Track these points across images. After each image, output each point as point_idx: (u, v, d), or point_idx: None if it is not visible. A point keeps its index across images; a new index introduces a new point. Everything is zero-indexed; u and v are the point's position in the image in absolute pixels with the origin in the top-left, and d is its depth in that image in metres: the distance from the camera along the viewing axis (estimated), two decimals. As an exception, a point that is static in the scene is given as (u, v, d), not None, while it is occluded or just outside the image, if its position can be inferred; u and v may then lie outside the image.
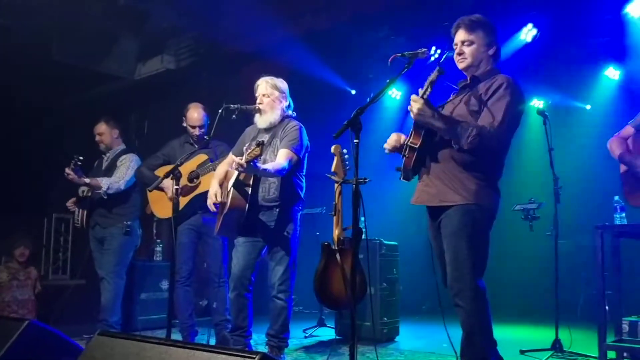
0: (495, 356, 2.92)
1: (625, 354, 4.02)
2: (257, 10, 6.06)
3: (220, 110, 3.84)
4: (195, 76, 7.57)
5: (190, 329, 4.63)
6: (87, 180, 4.78)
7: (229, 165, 4.01)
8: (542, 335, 5.17)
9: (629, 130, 4.22)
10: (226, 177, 3.98)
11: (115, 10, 6.43)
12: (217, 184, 3.92)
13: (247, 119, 4.08)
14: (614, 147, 4.22)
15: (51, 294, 5.98)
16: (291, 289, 3.88)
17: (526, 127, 7.21)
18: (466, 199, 2.85)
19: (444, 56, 3.19)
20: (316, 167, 4.46)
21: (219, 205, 3.84)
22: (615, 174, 4.34)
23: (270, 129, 3.96)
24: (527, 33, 6.19)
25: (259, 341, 4.45)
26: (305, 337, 5.44)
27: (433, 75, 2.86)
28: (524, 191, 6.14)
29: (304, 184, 3.99)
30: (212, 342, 4.53)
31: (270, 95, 3.93)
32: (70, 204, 5.02)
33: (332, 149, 3.91)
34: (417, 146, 2.90)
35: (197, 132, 4.60)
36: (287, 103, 4.01)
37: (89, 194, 4.97)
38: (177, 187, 4.01)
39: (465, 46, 3.05)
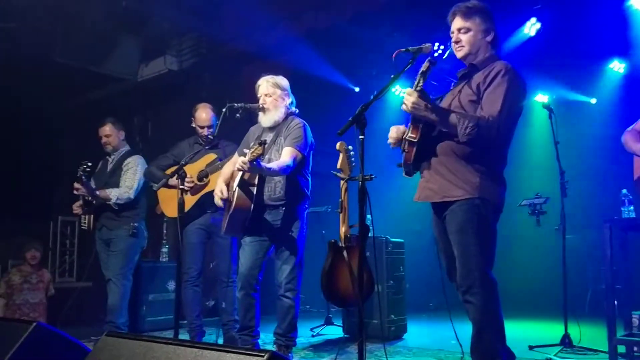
0: (505, 352, 2.90)
1: (635, 348, 4.00)
2: (259, 10, 6.06)
3: (224, 110, 3.84)
4: (198, 77, 7.57)
5: (198, 329, 4.63)
6: (97, 192, 4.78)
7: (235, 165, 4.01)
8: (551, 331, 5.15)
9: None
10: (232, 177, 3.97)
11: (117, 12, 6.43)
12: (222, 182, 3.92)
13: (252, 118, 4.07)
14: (630, 142, 4.18)
15: (58, 297, 5.98)
16: (298, 287, 3.87)
17: (532, 122, 7.20)
18: (470, 193, 2.81)
19: (447, 52, 3.13)
20: (321, 165, 4.45)
21: (226, 203, 3.83)
22: (623, 167, 4.32)
23: (274, 127, 3.94)
24: (531, 27, 6.16)
25: (266, 340, 4.44)
26: (313, 335, 5.43)
27: (424, 66, 2.78)
28: (530, 186, 6.11)
29: (309, 182, 3.98)
30: (220, 342, 4.52)
31: (273, 94, 3.92)
32: (76, 207, 5.00)
33: (337, 146, 3.90)
34: (415, 140, 2.84)
35: (205, 132, 4.60)
36: (289, 100, 4.00)
37: (89, 198, 4.93)
38: (182, 187, 4.01)
39: (461, 34, 2.98)
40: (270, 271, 4.01)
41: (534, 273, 7.08)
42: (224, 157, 4.48)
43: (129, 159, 5.01)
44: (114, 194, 4.81)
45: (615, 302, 4.11)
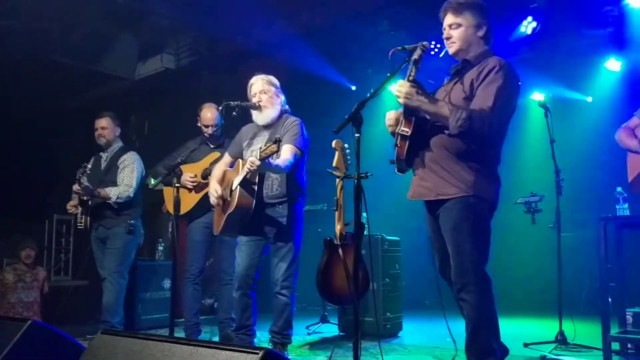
0: (500, 349, 2.91)
1: (629, 345, 4.02)
2: (256, 8, 6.05)
3: (220, 108, 3.84)
4: (195, 75, 7.56)
5: (195, 328, 4.63)
6: (96, 193, 4.76)
7: (226, 165, 4.03)
8: (546, 328, 5.17)
9: (635, 121, 4.21)
10: (224, 177, 3.98)
11: (114, 10, 6.41)
12: (215, 182, 3.94)
13: (248, 116, 4.07)
14: (625, 138, 4.19)
15: (53, 295, 5.97)
16: (294, 285, 3.88)
17: (528, 120, 7.21)
18: (464, 190, 2.79)
19: (444, 50, 3.12)
20: (317, 163, 4.45)
21: (222, 203, 3.84)
22: (618, 165, 4.33)
23: (269, 125, 3.95)
24: (527, 25, 6.17)
25: (262, 339, 4.45)
26: (309, 333, 5.44)
27: (416, 54, 2.76)
28: (525, 184, 6.13)
29: (305, 180, 3.99)
30: (216, 340, 4.52)
31: (268, 92, 3.93)
32: (70, 206, 4.96)
33: (334, 143, 3.90)
34: (408, 134, 2.81)
35: (210, 131, 4.61)
36: (283, 98, 4.02)
37: (86, 198, 4.89)
38: (177, 184, 4.01)
39: (452, 29, 2.97)
40: (265, 269, 4.01)
41: (529, 271, 7.10)
42: None
43: (125, 156, 4.97)
44: (113, 193, 4.78)
45: (610, 299, 4.13)
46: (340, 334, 5.19)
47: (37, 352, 2.45)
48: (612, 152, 4.81)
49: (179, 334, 4.60)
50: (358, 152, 2.68)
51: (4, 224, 6.75)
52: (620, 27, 6.04)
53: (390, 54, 2.85)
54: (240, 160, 3.86)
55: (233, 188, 3.77)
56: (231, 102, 3.86)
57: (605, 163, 6.08)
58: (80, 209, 4.91)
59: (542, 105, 4.78)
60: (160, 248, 6.70)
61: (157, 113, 8.22)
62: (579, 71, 7.08)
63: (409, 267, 6.20)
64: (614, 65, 6.81)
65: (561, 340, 4.49)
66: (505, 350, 3.01)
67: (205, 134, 4.63)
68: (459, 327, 3.00)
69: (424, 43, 2.79)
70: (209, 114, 4.64)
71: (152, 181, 4.61)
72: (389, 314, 5.15)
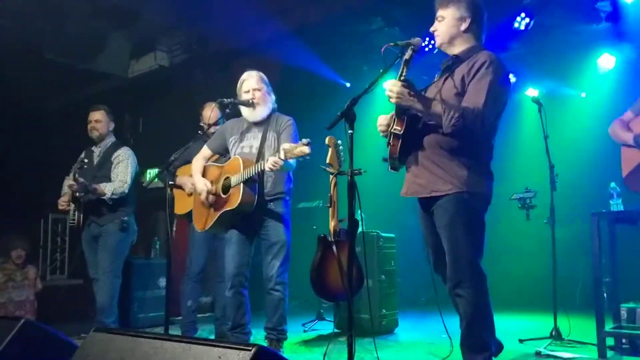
0: (495, 344, 2.91)
1: (623, 341, 4.03)
2: (249, 5, 6.05)
3: (210, 104, 3.84)
4: (189, 73, 7.55)
5: (191, 326, 4.62)
6: (93, 187, 4.66)
7: (205, 159, 4.00)
8: (541, 324, 5.18)
9: (629, 115, 4.21)
10: (205, 172, 3.96)
11: (107, 8, 6.40)
12: (201, 177, 3.93)
13: (236, 112, 4.06)
14: (619, 131, 4.18)
15: (49, 294, 5.96)
16: (287, 280, 3.87)
17: (521, 116, 7.22)
18: (458, 187, 2.80)
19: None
20: (311, 160, 4.44)
21: (211, 200, 3.83)
22: (612, 160, 4.33)
23: (260, 123, 3.94)
24: (521, 22, 6.17)
25: (257, 336, 4.44)
26: (305, 331, 5.43)
27: (407, 54, 2.77)
28: (519, 180, 6.13)
29: (292, 176, 4.00)
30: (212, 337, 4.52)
31: (261, 89, 3.93)
32: (62, 202, 4.88)
33: (327, 140, 3.89)
34: (400, 133, 2.82)
35: (212, 130, 4.56)
36: (274, 97, 4.03)
37: (79, 194, 4.78)
38: (171, 182, 4.00)
39: (438, 22, 3.00)
40: (254, 266, 3.99)
41: (524, 266, 7.11)
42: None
43: (119, 152, 4.89)
44: (108, 189, 4.70)
45: (605, 294, 4.14)
46: (336, 331, 5.18)
47: (31, 351, 2.45)
48: (606, 147, 4.82)
49: (175, 331, 4.59)
50: (351, 149, 2.68)
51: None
52: (614, 22, 6.05)
53: (382, 50, 2.85)
54: (239, 157, 3.79)
55: (233, 185, 3.74)
56: (224, 99, 3.86)
57: (599, 158, 6.09)
58: (72, 205, 4.83)
59: (536, 100, 4.78)
60: (156, 246, 6.69)
61: (151, 111, 8.22)
62: (573, 67, 7.08)
63: (405, 264, 6.21)
64: (607, 60, 6.82)
65: (556, 335, 4.49)
66: (500, 346, 3.02)
67: (208, 133, 4.60)
68: (455, 323, 3.01)
69: (415, 41, 2.79)
70: (210, 113, 4.60)
71: (147, 179, 4.59)
72: (384, 311, 5.15)
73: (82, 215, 4.81)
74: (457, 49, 2.98)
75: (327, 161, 3.87)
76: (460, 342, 2.87)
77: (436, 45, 3.03)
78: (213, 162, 4.14)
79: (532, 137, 6.46)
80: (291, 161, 3.64)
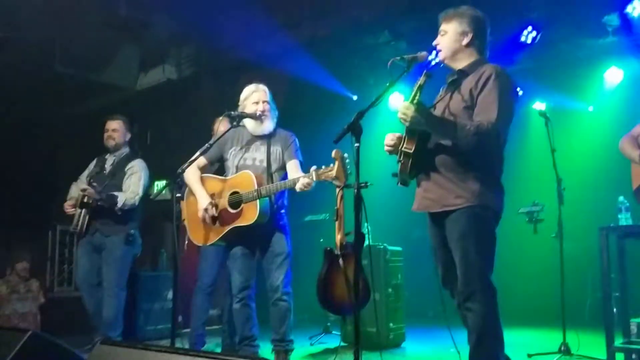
0: (503, 358, 2.89)
1: (633, 356, 3.99)
2: (257, 19, 6.09)
3: (221, 118, 3.84)
4: (197, 86, 7.59)
5: (199, 338, 4.59)
6: (110, 194, 4.61)
7: (200, 168, 3.97)
8: (550, 339, 5.13)
9: (638, 129, 4.20)
10: (204, 183, 3.94)
11: (116, 21, 6.46)
12: (203, 190, 3.89)
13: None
14: (627, 147, 4.18)
15: (57, 306, 5.96)
16: (291, 291, 3.86)
17: (528, 129, 7.20)
18: (469, 200, 2.80)
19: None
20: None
21: (214, 215, 3.82)
22: (620, 175, 4.31)
23: (264, 136, 3.94)
24: (528, 35, 6.18)
25: (264, 349, 4.42)
26: (312, 344, 5.41)
27: (421, 80, 2.79)
28: (527, 194, 6.11)
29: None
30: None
31: (270, 103, 3.94)
32: (68, 206, 4.78)
33: (333, 153, 3.88)
34: (411, 151, 2.82)
35: None
36: (277, 112, 4.04)
37: (90, 200, 4.63)
38: (178, 195, 3.99)
39: (440, 36, 3.02)
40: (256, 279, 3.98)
41: (532, 281, 7.05)
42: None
43: (132, 163, 4.84)
44: (120, 199, 4.62)
45: (615, 309, 4.11)
46: (343, 344, 5.16)
47: (37, 363, 2.45)
48: (613, 161, 4.81)
49: (182, 344, 4.58)
50: (357, 162, 2.67)
51: (7, 235, 6.76)
52: (622, 36, 6.05)
53: (389, 64, 2.87)
54: (249, 173, 3.74)
55: (245, 201, 3.69)
56: (232, 112, 3.86)
57: (607, 172, 6.07)
58: (78, 210, 4.70)
59: (543, 114, 4.78)
60: (163, 258, 6.68)
61: (159, 123, 8.25)
62: (580, 80, 7.08)
63: (412, 278, 6.17)
64: (615, 74, 6.82)
65: (565, 350, 4.46)
66: (508, 361, 2.99)
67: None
68: (462, 337, 2.99)
69: (421, 55, 2.84)
70: (222, 128, 4.57)
71: (155, 191, 4.57)
72: (391, 324, 5.12)
73: (86, 221, 4.69)
74: (460, 63, 2.99)
75: (334, 174, 3.87)
76: (469, 356, 2.85)
77: (439, 59, 3.04)
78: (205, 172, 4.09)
79: (539, 151, 6.43)
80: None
